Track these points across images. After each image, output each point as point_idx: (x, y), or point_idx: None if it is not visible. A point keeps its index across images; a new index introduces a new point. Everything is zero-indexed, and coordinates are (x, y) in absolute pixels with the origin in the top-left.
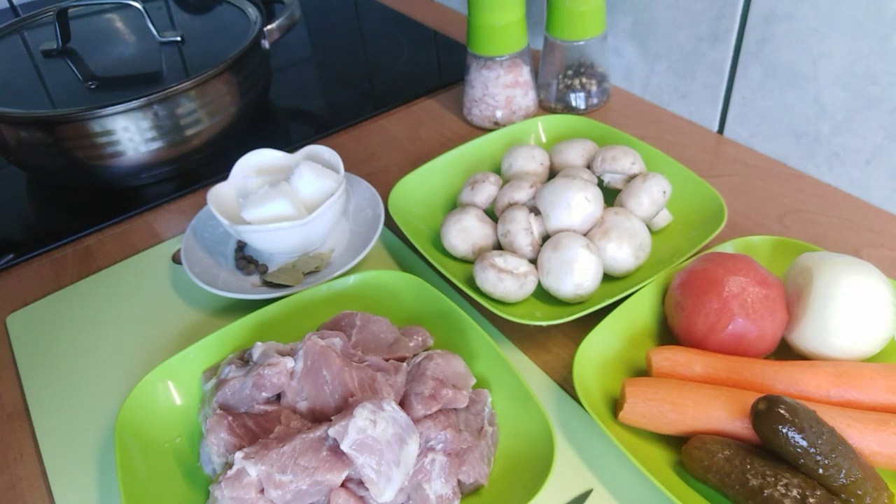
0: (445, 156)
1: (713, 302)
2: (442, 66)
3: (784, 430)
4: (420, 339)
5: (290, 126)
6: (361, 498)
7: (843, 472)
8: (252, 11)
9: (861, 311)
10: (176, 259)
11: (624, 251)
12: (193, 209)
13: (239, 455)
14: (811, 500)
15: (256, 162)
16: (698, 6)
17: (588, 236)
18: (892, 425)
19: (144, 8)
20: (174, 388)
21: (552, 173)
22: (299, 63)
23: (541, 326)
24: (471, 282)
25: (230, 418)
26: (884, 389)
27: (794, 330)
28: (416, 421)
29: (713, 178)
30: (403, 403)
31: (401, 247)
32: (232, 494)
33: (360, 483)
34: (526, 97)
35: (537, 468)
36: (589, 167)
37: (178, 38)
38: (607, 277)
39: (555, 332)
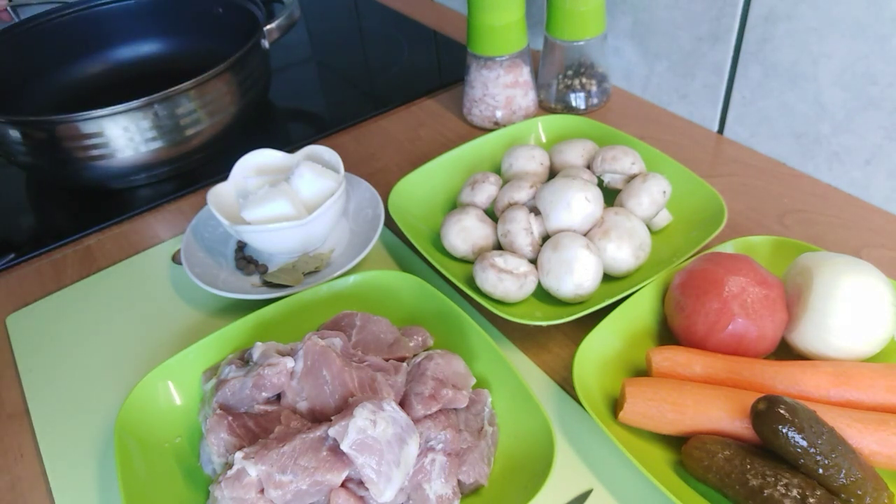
0: (445, 156)
1: (713, 302)
2: (442, 66)
3: (784, 430)
4: (420, 339)
5: (290, 126)
6: (361, 498)
7: (843, 472)
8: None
9: (861, 311)
10: (176, 259)
11: (624, 251)
12: (193, 209)
13: (239, 455)
14: (811, 500)
15: (256, 162)
16: (698, 6)
17: (588, 236)
18: (892, 425)
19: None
20: (174, 388)
21: (552, 173)
22: (299, 63)
23: (541, 326)
24: (471, 282)
25: (230, 418)
26: (884, 389)
27: (794, 330)
28: (416, 421)
29: (713, 178)
30: (403, 403)
31: (401, 247)
32: (232, 494)
33: (360, 483)
34: (526, 97)
35: (537, 468)
36: (589, 167)
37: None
38: (607, 277)
39: (555, 332)
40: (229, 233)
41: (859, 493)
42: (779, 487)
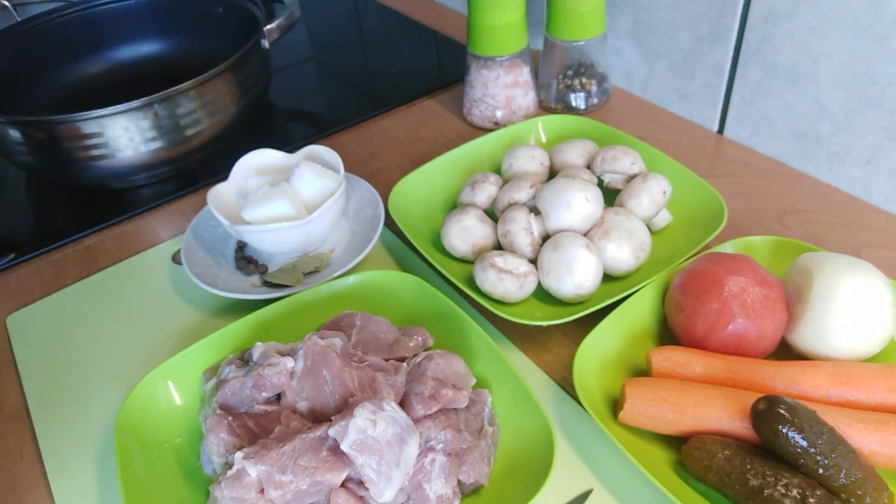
0: (445, 156)
1: (713, 302)
2: (442, 66)
3: (784, 430)
4: (420, 339)
5: (290, 126)
6: (361, 498)
7: (843, 472)
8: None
9: (861, 311)
10: (176, 259)
11: (624, 251)
12: (193, 209)
13: (239, 455)
14: (811, 500)
15: (256, 162)
16: (698, 6)
17: (588, 236)
18: (892, 425)
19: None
20: (174, 388)
21: (552, 173)
22: (299, 63)
23: (541, 326)
24: (471, 282)
25: (230, 418)
26: (884, 389)
27: (794, 330)
28: (416, 421)
29: (713, 178)
30: (403, 403)
31: (401, 247)
32: (232, 494)
33: (360, 483)
34: (526, 97)
35: (537, 468)
36: (589, 167)
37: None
38: (607, 277)
39: (555, 332)
40: (229, 233)
41: (859, 493)
42: (779, 487)
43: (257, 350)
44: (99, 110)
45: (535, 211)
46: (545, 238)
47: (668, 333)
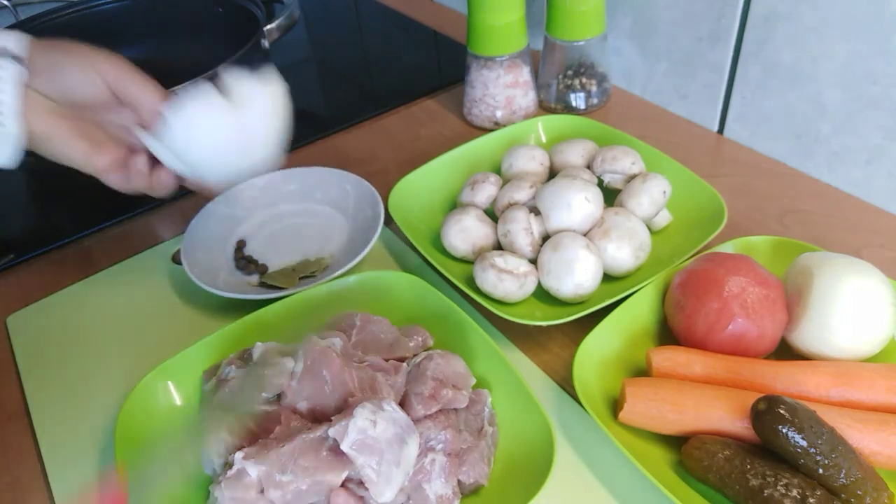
0: (445, 156)
1: (713, 302)
2: (442, 66)
3: (784, 430)
4: (420, 339)
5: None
6: (361, 498)
7: (843, 472)
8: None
9: (861, 311)
10: (176, 259)
11: (624, 251)
12: (193, 209)
13: (239, 455)
14: (811, 500)
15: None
16: (698, 6)
17: (588, 236)
18: (892, 425)
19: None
20: (174, 388)
21: (552, 173)
22: (299, 63)
23: (541, 326)
24: (471, 282)
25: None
26: (884, 389)
27: (794, 330)
28: (416, 421)
29: (713, 178)
30: (403, 403)
31: (401, 247)
32: (232, 494)
33: (360, 483)
34: (526, 97)
35: (537, 468)
36: (589, 167)
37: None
38: (607, 277)
39: (555, 332)
40: (226, 231)
41: (859, 493)
42: (779, 487)
43: (257, 350)
44: None
45: (535, 211)
46: (545, 238)
47: (668, 333)
